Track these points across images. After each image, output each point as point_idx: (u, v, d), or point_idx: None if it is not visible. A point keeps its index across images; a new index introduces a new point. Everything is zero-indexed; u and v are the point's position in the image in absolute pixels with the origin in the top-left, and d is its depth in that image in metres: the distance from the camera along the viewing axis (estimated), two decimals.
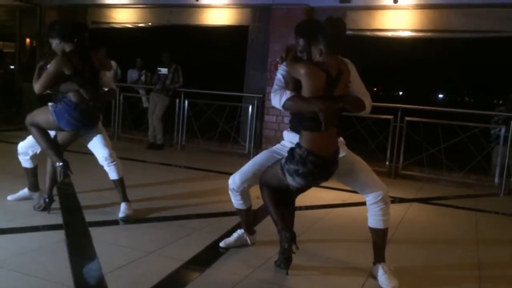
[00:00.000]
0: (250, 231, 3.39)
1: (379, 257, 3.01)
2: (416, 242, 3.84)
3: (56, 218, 3.74)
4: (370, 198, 2.90)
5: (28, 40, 9.67)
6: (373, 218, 2.94)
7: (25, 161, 4.07)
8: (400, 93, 42.57)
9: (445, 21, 6.98)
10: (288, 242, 2.81)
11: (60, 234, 3.38)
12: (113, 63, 9.00)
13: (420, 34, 7.35)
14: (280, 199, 2.94)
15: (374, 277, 2.98)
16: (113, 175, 3.94)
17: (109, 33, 9.40)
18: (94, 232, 3.47)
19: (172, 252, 3.18)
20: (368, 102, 2.82)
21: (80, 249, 3.20)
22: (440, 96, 45.09)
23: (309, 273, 3.03)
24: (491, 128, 6.55)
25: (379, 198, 2.87)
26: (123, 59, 9.63)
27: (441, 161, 6.45)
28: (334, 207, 4.74)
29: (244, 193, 3.14)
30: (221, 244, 3.33)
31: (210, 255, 3.18)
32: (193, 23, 8.58)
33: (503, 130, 6.18)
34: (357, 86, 2.82)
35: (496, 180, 6.09)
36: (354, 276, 3.04)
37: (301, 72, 2.58)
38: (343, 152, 2.91)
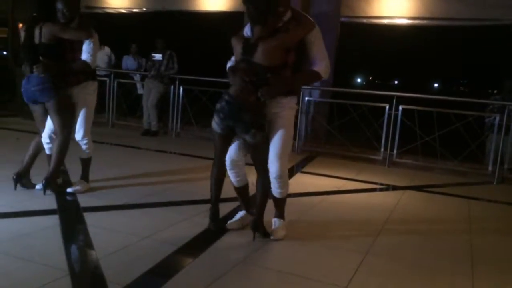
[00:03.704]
0: (248, 210, 3.48)
1: (276, 214, 3.38)
2: (409, 230, 3.86)
3: (50, 203, 3.73)
4: (271, 172, 3.15)
5: (20, 25, 9.55)
6: (274, 189, 3.24)
7: (49, 149, 4.07)
8: (396, 81, 42.59)
9: (441, 9, 6.97)
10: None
11: (54, 219, 3.37)
12: (107, 49, 8.93)
13: (417, 21, 7.34)
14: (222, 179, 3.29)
15: None
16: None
17: (104, 19, 9.30)
18: (88, 217, 3.47)
19: (167, 237, 3.19)
20: (322, 67, 3.08)
21: (74, 233, 3.21)
22: (436, 85, 45.15)
23: (303, 257, 3.05)
24: (486, 117, 6.57)
25: (274, 176, 3.14)
26: (118, 45, 9.55)
27: (436, 149, 6.48)
28: (329, 194, 4.76)
29: (237, 170, 3.28)
30: (227, 225, 3.39)
31: (205, 240, 3.19)
32: (188, 9, 8.52)
33: (497, 118, 6.20)
34: (315, 50, 3.08)
35: (490, 168, 6.12)
36: (349, 258, 3.06)
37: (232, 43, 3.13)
38: (278, 109, 3.11)
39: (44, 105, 3.85)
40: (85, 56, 3.91)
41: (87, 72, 4.01)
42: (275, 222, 3.39)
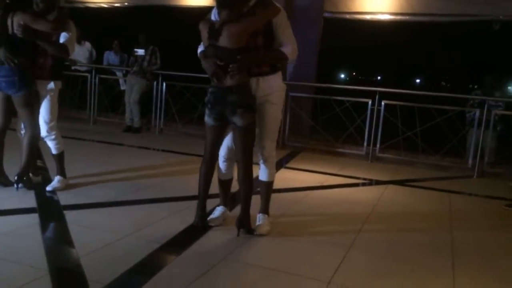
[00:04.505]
0: (226, 205, 3.54)
1: (262, 209, 3.42)
2: (391, 224, 3.90)
3: (30, 201, 3.66)
4: (261, 155, 3.31)
5: None
6: (263, 173, 3.36)
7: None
8: (379, 77, 42.92)
9: (423, 5, 7.02)
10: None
11: (34, 218, 3.31)
12: (88, 44, 8.79)
13: (399, 17, 7.39)
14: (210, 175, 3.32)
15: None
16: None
17: (85, 13, 9.15)
18: (68, 215, 3.42)
19: (149, 234, 3.16)
20: (289, 50, 3.17)
21: (54, 232, 3.16)
22: (418, 80, 45.64)
23: (287, 252, 3.06)
24: (466, 112, 6.66)
25: (264, 158, 3.30)
26: (99, 40, 9.40)
27: (417, 144, 6.55)
28: (312, 190, 4.77)
29: (229, 162, 3.41)
30: (209, 222, 3.38)
31: (187, 237, 3.17)
32: (171, 3, 8.42)
33: (477, 113, 6.29)
34: (282, 33, 3.17)
35: (470, 162, 6.22)
36: (332, 253, 3.08)
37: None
38: (267, 91, 3.21)
39: (7, 95, 3.76)
40: (62, 39, 3.81)
41: (56, 70, 3.92)
42: (260, 217, 3.40)
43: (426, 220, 4.09)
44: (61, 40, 3.82)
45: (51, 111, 3.93)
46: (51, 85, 3.91)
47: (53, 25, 3.69)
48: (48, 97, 3.92)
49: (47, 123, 3.93)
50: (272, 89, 3.23)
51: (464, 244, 3.51)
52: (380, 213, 4.13)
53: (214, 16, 3.15)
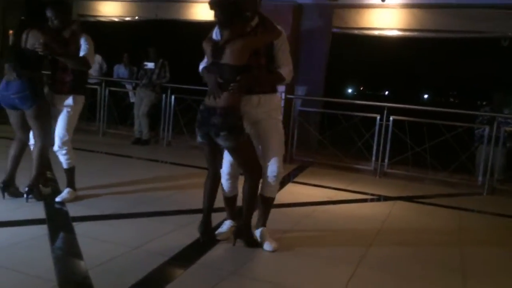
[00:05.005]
0: (234, 219, 3.51)
1: (261, 221, 3.38)
2: (400, 240, 3.86)
3: (39, 212, 3.68)
4: (270, 170, 3.24)
5: (10, 32, 9.49)
6: (267, 188, 3.30)
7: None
8: (386, 92, 42.91)
9: (432, 21, 7.04)
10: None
11: (43, 229, 3.32)
12: (98, 57, 8.90)
13: (407, 33, 7.42)
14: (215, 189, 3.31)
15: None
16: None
17: (96, 27, 9.28)
18: (77, 226, 3.42)
19: (156, 247, 3.15)
20: (286, 72, 3.25)
21: (63, 243, 3.16)
22: (426, 96, 45.56)
23: (295, 268, 3.03)
24: (475, 128, 6.63)
25: (274, 174, 3.24)
26: (109, 53, 9.51)
27: (426, 160, 6.51)
28: (320, 205, 4.75)
29: (232, 180, 3.39)
30: (216, 235, 3.37)
31: (195, 251, 3.16)
32: (181, 18, 8.52)
33: (487, 130, 6.26)
34: (281, 55, 3.25)
35: (480, 179, 6.17)
36: (341, 269, 3.05)
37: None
38: (264, 108, 3.23)
39: (22, 110, 3.79)
40: (81, 53, 3.87)
41: (76, 85, 3.97)
42: (262, 232, 3.35)
43: (436, 237, 4.05)
44: (81, 54, 3.87)
45: (67, 127, 3.96)
46: (70, 100, 3.95)
47: (68, 48, 3.79)
48: (65, 112, 3.95)
49: (60, 138, 3.95)
50: (272, 105, 3.29)
51: (474, 261, 3.47)
52: (389, 229, 4.10)
53: (216, 35, 3.23)
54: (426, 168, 6.50)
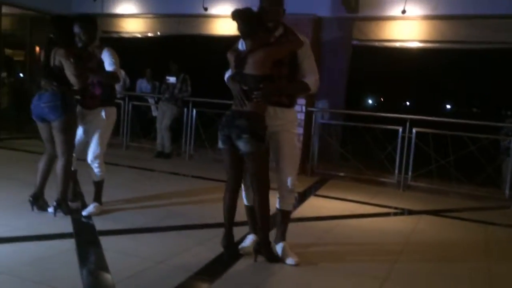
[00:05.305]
0: (257, 232, 3.47)
1: (282, 236, 3.38)
2: (426, 255, 3.80)
3: (66, 226, 3.75)
4: (285, 185, 3.29)
5: (37, 48, 9.77)
6: (284, 202, 3.35)
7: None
8: (407, 103, 42.45)
9: (453, 32, 6.98)
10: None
11: (71, 243, 3.38)
12: (122, 72, 9.07)
13: (428, 44, 7.36)
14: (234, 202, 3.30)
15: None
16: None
17: (119, 43, 9.47)
18: (103, 240, 3.48)
19: (181, 262, 3.18)
20: (312, 81, 3.27)
21: (90, 257, 3.21)
22: (448, 106, 44.90)
23: (319, 283, 3.01)
24: (501, 140, 6.50)
25: (289, 189, 3.29)
26: (133, 68, 9.69)
27: (450, 172, 6.40)
28: (344, 218, 4.71)
29: (250, 189, 3.38)
30: (239, 250, 3.37)
31: (219, 266, 3.17)
32: (202, 32, 8.64)
33: None
34: (306, 65, 3.29)
35: (507, 192, 6.03)
36: (366, 285, 3.02)
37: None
38: (281, 121, 3.26)
39: (50, 124, 3.89)
40: (110, 67, 3.97)
41: (106, 97, 4.07)
42: (283, 246, 3.34)
43: (462, 251, 3.97)
44: (109, 68, 3.98)
45: (100, 141, 4.07)
46: (102, 114, 4.06)
47: (94, 64, 3.92)
48: (98, 126, 4.06)
49: (94, 151, 4.07)
50: (287, 119, 3.31)
51: (502, 276, 3.39)
52: (414, 243, 4.04)
53: (241, 45, 3.28)
54: (451, 181, 6.39)
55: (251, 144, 3.07)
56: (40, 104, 3.85)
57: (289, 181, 3.28)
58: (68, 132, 3.91)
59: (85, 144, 4.16)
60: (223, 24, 8.30)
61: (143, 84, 9.49)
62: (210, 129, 7.97)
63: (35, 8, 8.70)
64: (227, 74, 3.38)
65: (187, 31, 8.78)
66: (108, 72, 3.98)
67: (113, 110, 4.19)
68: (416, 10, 6.80)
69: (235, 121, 3.10)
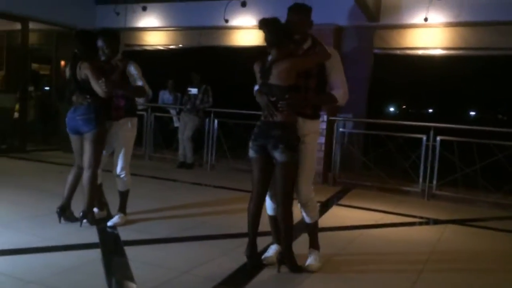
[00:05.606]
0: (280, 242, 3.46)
1: (311, 244, 3.44)
2: (453, 265, 3.72)
3: (92, 236, 3.81)
4: (299, 199, 3.34)
5: (63, 62, 10.03)
6: (304, 216, 3.41)
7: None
8: (430, 110, 41.83)
9: (477, 39, 6.88)
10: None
11: (97, 253, 3.44)
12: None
13: (451, 52, 7.27)
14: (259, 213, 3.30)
15: None
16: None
17: (142, 55, 9.65)
18: (128, 250, 3.52)
19: (205, 272, 3.19)
20: (340, 94, 3.26)
21: (116, 268, 3.25)
22: (472, 113, 44.07)
23: None
24: None
25: (302, 202, 3.33)
26: (155, 80, 9.82)
27: (477, 181, 6.27)
28: (367, 228, 4.66)
29: (275, 199, 3.38)
30: (262, 260, 3.36)
31: (242, 276, 3.17)
32: (223, 44, 8.74)
33: None
34: (334, 77, 3.27)
35: None
36: None
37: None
38: (303, 132, 3.24)
39: (82, 136, 3.98)
40: (139, 82, 4.08)
41: (129, 108, 4.16)
42: (310, 253, 3.40)
43: (490, 261, 3.88)
44: (138, 83, 4.08)
45: (126, 151, 4.16)
46: (128, 124, 4.16)
47: (116, 76, 4.01)
48: (126, 138, 4.15)
49: (121, 163, 4.16)
50: (309, 130, 3.29)
51: None
52: (440, 253, 3.96)
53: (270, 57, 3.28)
54: (477, 189, 6.26)
55: (286, 154, 3.09)
56: (75, 117, 3.97)
57: (306, 194, 3.29)
58: (98, 144, 4.00)
59: (109, 155, 4.25)
60: (243, 35, 8.39)
61: (165, 96, 9.62)
62: (231, 139, 8.03)
63: (61, 23, 8.95)
64: (256, 87, 3.40)
65: (209, 42, 8.89)
66: (137, 87, 4.07)
67: (136, 120, 4.27)
68: (438, 18, 6.74)
69: (270, 131, 3.13)
